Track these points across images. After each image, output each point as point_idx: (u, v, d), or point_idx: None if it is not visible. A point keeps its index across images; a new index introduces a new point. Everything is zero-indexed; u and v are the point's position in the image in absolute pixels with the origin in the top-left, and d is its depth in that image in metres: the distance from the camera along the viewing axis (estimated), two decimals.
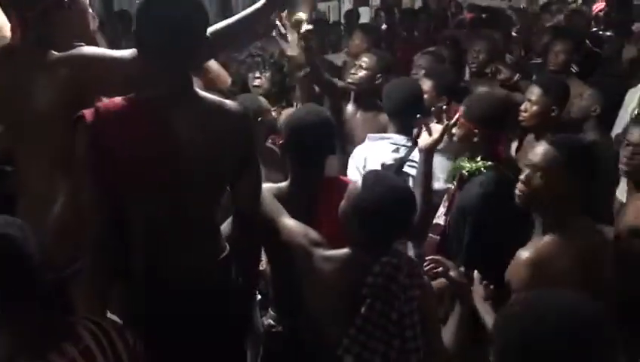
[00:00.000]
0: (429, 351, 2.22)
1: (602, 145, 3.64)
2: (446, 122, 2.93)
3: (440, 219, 3.04)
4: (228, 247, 2.28)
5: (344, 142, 3.67)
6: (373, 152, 3.41)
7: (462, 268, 2.51)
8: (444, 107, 3.69)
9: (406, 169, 3.32)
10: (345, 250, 2.27)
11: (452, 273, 2.41)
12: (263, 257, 2.68)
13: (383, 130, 3.61)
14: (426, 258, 2.50)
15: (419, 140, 2.95)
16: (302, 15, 3.11)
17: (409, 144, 3.39)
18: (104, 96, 2.18)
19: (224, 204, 2.32)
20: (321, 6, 10.65)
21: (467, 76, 5.80)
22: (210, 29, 2.17)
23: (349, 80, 4.11)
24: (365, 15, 10.43)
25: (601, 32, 7.38)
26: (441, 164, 3.22)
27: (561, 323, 1.39)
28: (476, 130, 2.93)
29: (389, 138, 3.47)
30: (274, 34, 3.48)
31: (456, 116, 2.95)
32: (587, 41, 6.57)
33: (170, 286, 2.12)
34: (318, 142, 2.59)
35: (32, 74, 2.21)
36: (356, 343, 2.16)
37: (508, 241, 2.71)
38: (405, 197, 2.25)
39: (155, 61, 2.07)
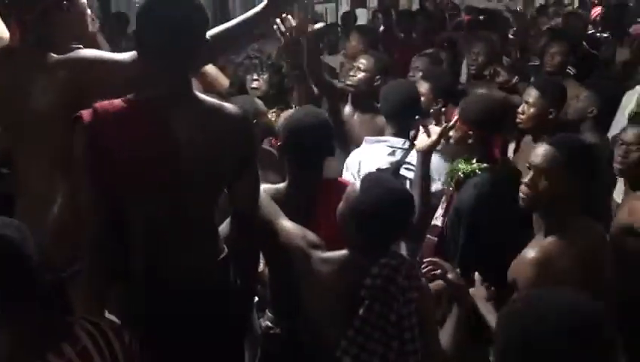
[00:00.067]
0: (426, 353, 2.23)
1: (599, 146, 3.65)
2: (444, 124, 2.94)
3: (438, 220, 3.05)
4: (226, 249, 2.28)
5: (342, 144, 3.66)
6: (367, 156, 3.41)
7: (457, 270, 2.51)
8: (443, 109, 3.69)
9: (403, 172, 3.32)
10: (343, 252, 2.27)
11: (449, 275, 2.42)
12: (261, 259, 2.68)
13: (381, 132, 3.61)
14: (424, 260, 2.50)
15: (416, 142, 2.96)
16: (303, 16, 3.11)
17: (405, 146, 3.39)
18: (104, 98, 2.18)
19: (221, 206, 2.32)
20: (318, 8, 10.67)
21: (464, 78, 5.81)
22: (209, 33, 2.18)
23: (348, 82, 4.10)
24: (362, 17, 10.43)
25: (598, 34, 7.40)
26: (439, 166, 3.23)
27: (562, 322, 1.39)
28: (471, 132, 2.95)
29: (385, 141, 3.47)
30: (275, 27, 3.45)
31: (455, 118, 2.96)
32: (584, 43, 6.60)
33: (170, 286, 2.12)
34: (317, 144, 2.59)
35: (31, 75, 2.21)
36: (354, 345, 2.16)
37: (503, 242, 2.73)
38: (403, 199, 2.25)
39: (155, 61, 2.07)
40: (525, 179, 2.51)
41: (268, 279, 2.68)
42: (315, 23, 4.06)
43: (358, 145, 3.59)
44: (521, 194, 2.52)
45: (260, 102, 3.64)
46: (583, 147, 2.59)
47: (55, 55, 2.22)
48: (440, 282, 2.46)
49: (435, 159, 3.08)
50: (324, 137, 2.62)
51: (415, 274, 2.24)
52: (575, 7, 12.90)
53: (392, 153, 3.40)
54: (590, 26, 8.16)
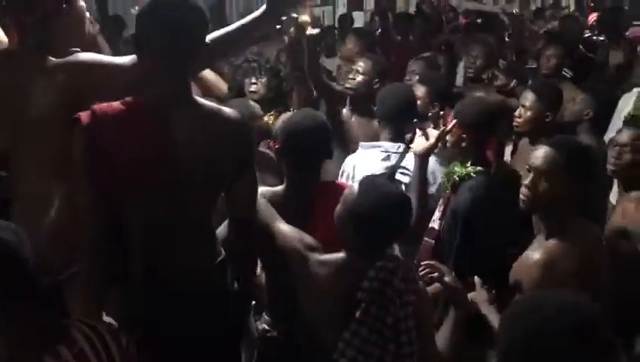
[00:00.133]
0: (423, 355, 2.23)
1: (595, 148, 3.67)
2: (442, 128, 2.95)
3: (435, 223, 3.06)
4: (223, 252, 2.28)
5: (341, 147, 3.67)
6: (362, 162, 3.42)
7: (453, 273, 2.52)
8: (441, 113, 3.70)
9: (398, 176, 3.33)
10: (340, 255, 2.27)
11: (446, 278, 2.42)
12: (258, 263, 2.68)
13: (378, 135, 3.61)
14: (421, 263, 2.51)
15: (414, 145, 2.97)
16: (306, 18, 3.10)
17: (400, 151, 3.40)
18: (103, 102, 2.18)
19: (219, 209, 2.32)
20: (316, 10, 10.67)
21: (460, 81, 5.82)
22: (209, 37, 2.18)
23: (347, 85, 4.11)
24: (359, 19, 10.46)
25: (595, 38, 7.43)
26: (435, 169, 3.24)
27: (564, 323, 1.41)
28: (464, 135, 2.96)
29: (379, 146, 3.47)
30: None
31: (453, 122, 2.97)
32: (581, 47, 6.62)
33: (170, 286, 2.12)
34: (315, 147, 2.59)
35: (30, 78, 2.21)
36: (351, 347, 2.16)
37: (498, 245, 2.74)
38: (401, 202, 2.25)
39: (154, 62, 2.08)
40: (525, 181, 2.52)
41: (265, 282, 2.68)
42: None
43: (356, 148, 3.60)
44: (521, 196, 2.53)
45: (255, 105, 3.64)
46: (581, 149, 2.61)
47: (54, 58, 2.22)
48: (437, 285, 2.46)
49: (431, 162, 3.08)
50: (323, 140, 2.62)
51: (412, 276, 2.25)
52: (572, 10, 12.96)
53: (387, 158, 3.40)
54: (587, 31, 8.18)
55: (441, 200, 3.11)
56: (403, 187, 3.12)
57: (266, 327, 2.65)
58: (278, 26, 2.74)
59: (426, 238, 3.05)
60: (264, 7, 2.48)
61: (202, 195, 2.17)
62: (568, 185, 2.47)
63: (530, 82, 4.91)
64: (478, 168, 2.96)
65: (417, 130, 2.99)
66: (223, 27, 2.49)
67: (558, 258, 2.42)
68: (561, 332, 1.39)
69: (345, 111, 4.09)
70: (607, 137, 4.02)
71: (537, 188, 2.48)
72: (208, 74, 3.72)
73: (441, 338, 2.34)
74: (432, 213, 3.09)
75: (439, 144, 2.95)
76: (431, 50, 6.39)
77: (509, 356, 1.45)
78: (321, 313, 2.25)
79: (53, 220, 2.23)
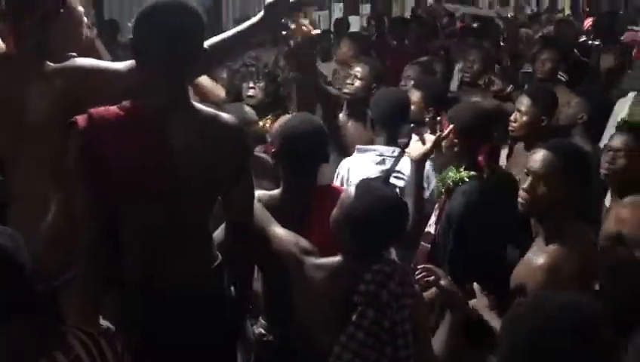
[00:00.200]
0: (419, 359, 2.23)
1: (590, 151, 3.68)
2: (438, 133, 2.96)
3: (431, 227, 3.07)
4: (220, 256, 2.28)
5: (337, 151, 3.67)
6: (357, 165, 3.42)
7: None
8: (439, 118, 3.71)
9: (392, 180, 3.34)
10: (336, 258, 2.28)
11: (442, 281, 2.42)
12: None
13: (374, 140, 3.62)
14: (418, 266, 2.51)
15: (410, 150, 2.98)
16: (305, 21, 3.10)
17: (395, 155, 3.41)
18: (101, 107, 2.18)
19: (215, 213, 2.32)
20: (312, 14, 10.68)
21: (454, 86, 5.84)
22: (207, 43, 2.19)
23: (345, 90, 4.12)
24: (355, 24, 10.47)
25: (590, 42, 7.46)
26: (429, 174, 3.25)
27: (566, 322, 1.42)
28: (456, 140, 2.98)
29: (374, 150, 3.48)
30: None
31: (450, 127, 2.98)
32: (576, 51, 6.64)
33: (167, 291, 2.12)
34: (311, 151, 2.59)
35: (28, 82, 2.21)
36: (348, 351, 2.16)
37: (492, 249, 2.74)
38: (397, 206, 2.26)
39: (152, 68, 2.08)
40: (524, 185, 2.54)
41: (261, 286, 2.68)
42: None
43: (352, 153, 3.60)
44: (520, 200, 2.55)
45: (250, 110, 3.62)
46: (578, 152, 2.63)
47: (52, 63, 2.22)
48: (433, 290, 2.47)
49: (426, 167, 3.09)
50: (319, 144, 2.63)
51: (408, 280, 2.25)
52: (566, 14, 13.01)
53: (382, 162, 3.41)
54: (584, 37, 8.21)
55: (437, 205, 3.12)
56: (397, 191, 3.13)
57: (262, 331, 2.64)
58: (284, 32, 2.76)
59: (422, 243, 3.06)
60: (261, 13, 2.48)
61: (199, 201, 2.17)
62: (566, 188, 2.48)
63: (525, 87, 4.94)
64: (472, 173, 2.98)
65: (413, 135, 3.00)
66: (218, 31, 2.49)
67: (562, 262, 2.43)
68: (564, 331, 1.40)
69: (341, 115, 4.10)
70: (602, 143, 4.03)
71: (536, 191, 2.50)
72: (204, 80, 3.73)
73: (438, 341, 2.35)
74: (429, 218, 3.10)
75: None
76: (427, 54, 6.40)
77: (511, 357, 1.46)
78: (317, 317, 2.25)
79: (50, 224, 2.22)
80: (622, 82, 5.16)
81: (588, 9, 12.81)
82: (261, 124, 3.85)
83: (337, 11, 11.13)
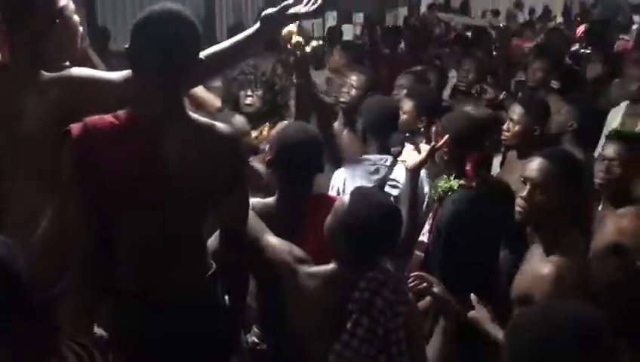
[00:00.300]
0: None
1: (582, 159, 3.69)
2: (433, 143, 2.98)
3: (424, 236, 3.08)
4: (214, 265, 2.29)
5: (333, 160, 3.67)
6: (352, 175, 3.43)
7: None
8: (433, 128, 3.72)
9: (387, 189, 3.34)
10: (330, 266, 2.28)
11: (435, 289, 2.44)
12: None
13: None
14: (411, 274, 2.52)
15: (404, 158, 2.99)
16: (292, 29, 3.10)
17: (387, 164, 3.42)
18: None
19: (209, 221, 2.33)
20: (305, 23, 10.70)
21: (446, 95, 5.86)
22: (203, 53, 2.19)
23: (342, 99, 4.13)
24: (348, 32, 10.50)
25: (582, 50, 7.49)
26: (425, 182, 3.26)
27: (571, 331, 1.43)
28: (446, 149, 3.00)
29: (367, 160, 3.48)
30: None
31: (446, 137, 2.99)
32: (567, 59, 6.68)
33: (161, 301, 2.12)
34: (306, 160, 2.60)
35: (23, 93, 2.21)
36: (342, 359, 2.16)
37: (482, 258, 2.75)
38: (392, 213, 2.27)
39: (148, 78, 2.08)
40: (522, 193, 2.55)
41: (254, 295, 2.69)
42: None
43: (347, 161, 3.60)
44: (517, 208, 2.56)
45: (241, 121, 3.60)
46: (574, 160, 2.64)
47: (47, 73, 2.23)
48: (427, 299, 2.48)
49: (421, 175, 3.11)
50: (314, 154, 2.63)
51: (402, 288, 2.26)
52: (558, 22, 13.06)
53: (376, 171, 3.41)
54: (577, 45, 8.25)
55: (430, 214, 3.13)
56: (392, 199, 3.13)
57: (256, 340, 2.64)
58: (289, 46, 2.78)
59: (416, 251, 3.07)
60: (258, 24, 2.50)
61: (194, 211, 2.17)
62: (560, 195, 2.49)
63: (519, 95, 4.96)
64: (462, 182, 2.99)
65: (407, 144, 3.01)
66: (212, 41, 2.50)
67: (566, 272, 2.43)
68: (570, 341, 1.41)
69: (336, 124, 4.10)
70: (597, 152, 4.05)
71: (534, 199, 2.51)
72: (199, 90, 3.72)
73: (432, 349, 2.36)
74: (423, 226, 3.11)
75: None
76: (421, 63, 6.43)
77: None
78: (311, 325, 2.25)
79: (45, 233, 2.22)
80: (609, 91, 5.18)
81: (580, 17, 12.87)
82: (258, 131, 3.85)
83: (331, 20, 11.15)
